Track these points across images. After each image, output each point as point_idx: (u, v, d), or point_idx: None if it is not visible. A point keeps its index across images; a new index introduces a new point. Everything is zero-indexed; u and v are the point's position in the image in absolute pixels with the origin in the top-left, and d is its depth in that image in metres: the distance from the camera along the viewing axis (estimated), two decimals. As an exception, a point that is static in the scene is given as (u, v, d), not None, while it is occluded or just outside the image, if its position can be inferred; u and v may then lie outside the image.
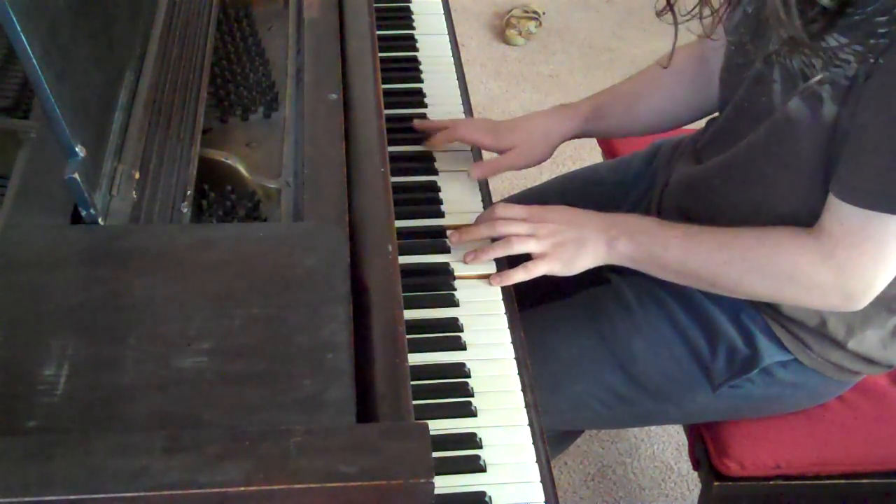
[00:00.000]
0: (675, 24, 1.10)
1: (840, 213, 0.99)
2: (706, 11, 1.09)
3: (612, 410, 1.24)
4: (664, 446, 1.91)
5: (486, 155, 1.32)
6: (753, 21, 1.07)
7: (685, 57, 1.30)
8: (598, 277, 1.30)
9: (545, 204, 1.17)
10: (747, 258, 1.06)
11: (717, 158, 1.17)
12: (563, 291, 1.31)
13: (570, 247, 1.10)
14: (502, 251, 1.11)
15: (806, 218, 1.04)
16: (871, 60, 0.93)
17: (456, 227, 1.16)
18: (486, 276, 1.12)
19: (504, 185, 2.28)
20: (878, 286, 1.02)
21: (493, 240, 1.14)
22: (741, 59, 1.10)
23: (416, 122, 1.31)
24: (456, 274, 1.12)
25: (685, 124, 1.34)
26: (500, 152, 1.30)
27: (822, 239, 1.01)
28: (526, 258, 1.12)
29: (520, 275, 1.11)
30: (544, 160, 1.31)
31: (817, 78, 0.97)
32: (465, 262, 1.12)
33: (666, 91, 1.31)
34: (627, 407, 1.23)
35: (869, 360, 1.19)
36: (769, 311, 1.16)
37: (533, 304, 1.26)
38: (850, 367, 1.19)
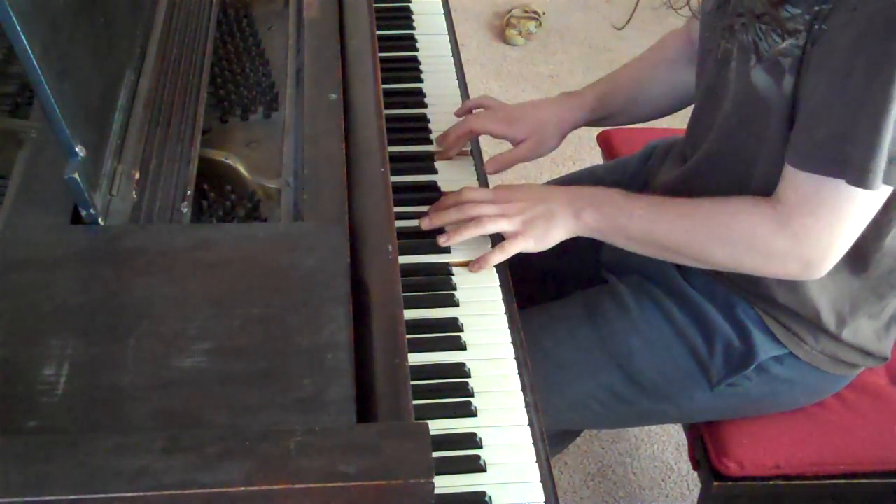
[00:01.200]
0: None
1: (794, 180, 1.00)
2: None
3: (610, 410, 1.24)
4: (664, 446, 1.91)
5: (486, 149, 1.32)
6: (722, 3, 1.09)
7: (676, 43, 1.33)
8: (595, 277, 1.31)
9: None
10: (707, 226, 1.07)
11: (697, 153, 1.19)
12: (560, 291, 1.31)
13: (540, 222, 1.11)
14: (474, 231, 1.12)
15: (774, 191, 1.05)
16: (816, 27, 0.95)
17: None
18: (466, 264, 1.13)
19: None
20: (836, 252, 1.02)
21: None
22: (711, 45, 1.12)
23: (458, 111, 1.34)
24: (450, 262, 1.13)
25: (687, 106, 1.36)
26: (512, 140, 1.31)
27: (778, 207, 1.02)
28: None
29: (496, 256, 1.12)
30: (553, 150, 1.33)
31: (779, 48, 0.98)
32: (439, 245, 1.13)
33: (664, 78, 1.34)
34: (625, 406, 1.24)
35: (864, 352, 1.19)
36: (763, 305, 1.17)
37: (530, 303, 1.27)
38: (845, 359, 1.19)
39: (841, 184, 0.96)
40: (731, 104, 1.09)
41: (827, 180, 0.97)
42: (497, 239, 1.14)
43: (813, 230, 1.00)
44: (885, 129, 0.92)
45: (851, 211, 0.99)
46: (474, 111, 1.34)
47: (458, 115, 1.33)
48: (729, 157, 1.13)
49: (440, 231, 1.14)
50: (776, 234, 1.02)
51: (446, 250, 1.14)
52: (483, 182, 1.27)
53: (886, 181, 0.96)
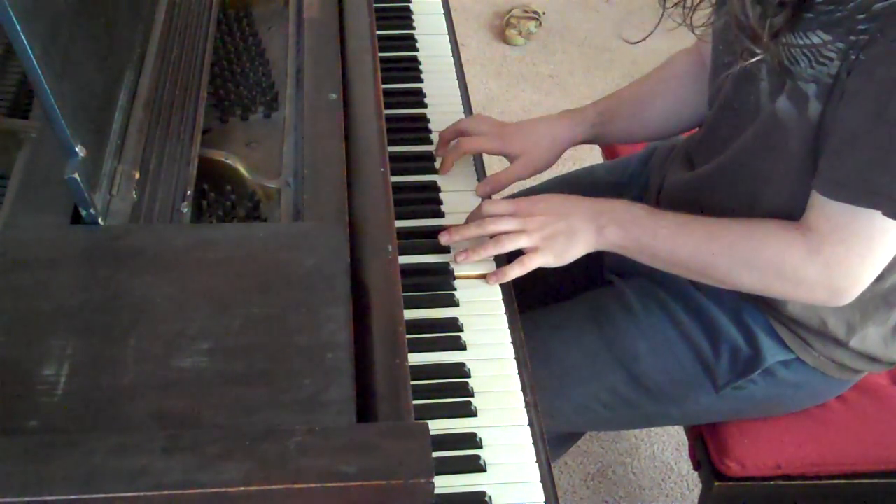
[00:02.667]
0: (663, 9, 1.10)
1: (825, 209, 0.99)
2: (697, 14, 1.10)
3: (614, 412, 1.24)
4: (664, 446, 1.91)
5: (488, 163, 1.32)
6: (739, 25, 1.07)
7: (686, 60, 1.30)
8: (599, 279, 1.30)
9: None
10: (736, 251, 1.06)
11: (708, 164, 1.17)
12: (565, 294, 1.31)
13: (561, 238, 1.10)
14: (494, 250, 1.11)
15: (798, 215, 1.04)
16: (853, 56, 0.94)
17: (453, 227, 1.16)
18: (485, 276, 1.12)
19: (504, 185, 2.28)
20: (865, 282, 1.01)
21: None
22: (728, 58, 1.11)
23: (441, 139, 1.29)
24: (456, 273, 1.12)
25: (693, 127, 1.33)
26: (506, 155, 1.29)
27: (808, 234, 1.01)
28: (520, 253, 1.12)
29: (515, 270, 1.11)
30: (549, 167, 1.31)
31: (809, 74, 0.97)
32: (456, 262, 1.12)
33: (670, 94, 1.31)
34: (630, 409, 1.23)
35: (871, 358, 1.19)
36: (771, 311, 1.16)
37: (535, 306, 1.26)
38: (853, 366, 1.19)
39: (875, 215, 0.95)
40: (757, 124, 1.07)
41: (860, 211, 0.96)
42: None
43: (844, 260, 0.99)
44: None
45: (884, 242, 0.98)
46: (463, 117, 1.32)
47: (447, 136, 1.28)
48: (743, 172, 1.11)
49: (438, 230, 1.14)
50: (806, 263, 1.01)
51: (446, 250, 1.14)
52: (482, 178, 1.26)
53: None
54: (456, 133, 1.28)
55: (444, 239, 1.13)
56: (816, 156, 1.01)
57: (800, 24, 0.97)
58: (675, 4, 1.10)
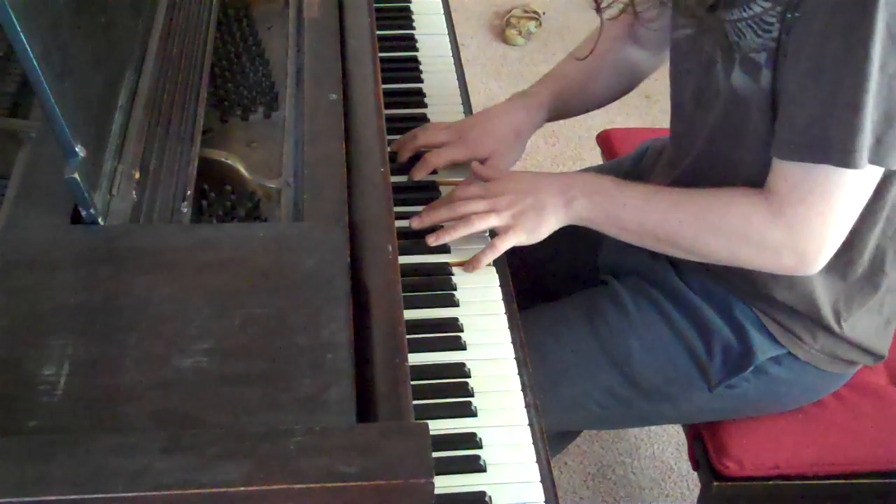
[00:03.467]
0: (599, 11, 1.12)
1: (782, 170, 1.00)
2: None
3: (608, 411, 1.24)
4: (664, 446, 1.91)
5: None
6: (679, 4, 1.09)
7: (616, 31, 1.31)
8: (593, 279, 1.31)
9: None
10: (700, 217, 1.06)
11: (686, 160, 1.18)
12: (560, 293, 1.31)
13: (531, 214, 1.10)
14: (464, 230, 1.11)
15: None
16: (789, 16, 0.95)
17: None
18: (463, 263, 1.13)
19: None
20: (831, 243, 1.02)
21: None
22: (688, 65, 1.13)
23: (401, 156, 1.27)
24: (450, 261, 1.12)
25: (633, 89, 1.38)
26: (478, 160, 1.26)
27: (769, 198, 1.02)
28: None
29: (488, 254, 1.11)
30: (519, 157, 1.31)
31: (756, 43, 0.99)
32: (428, 244, 1.12)
33: (608, 77, 1.34)
34: (624, 407, 1.24)
35: (862, 348, 1.19)
36: (760, 304, 1.17)
37: (529, 305, 1.26)
38: (844, 357, 1.19)
39: (828, 168, 0.96)
40: (720, 108, 1.09)
41: (813, 167, 0.97)
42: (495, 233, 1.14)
43: (806, 219, 1.00)
44: (865, 106, 0.92)
45: (842, 196, 0.98)
46: (456, 119, 1.31)
47: (406, 154, 1.26)
48: (716, 160, 1.13)
49: (438, 230, 1.14)
50: (769, 226, 1.02)
51: (446, 250, 1.14)
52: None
53: (873, 161, 0.95)
54: (414, 149, 1.26)
55: (415, 223, 1.13)
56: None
57: None
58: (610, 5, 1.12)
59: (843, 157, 0.95)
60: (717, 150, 1.12)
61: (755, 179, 1.06)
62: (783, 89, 0.99)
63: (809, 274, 1.06)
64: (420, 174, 1.24)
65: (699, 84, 1.13)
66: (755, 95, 1.03)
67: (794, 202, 1.00)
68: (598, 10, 1.12)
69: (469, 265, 1.12)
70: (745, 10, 1.00)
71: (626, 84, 1.36)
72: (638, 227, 1.10)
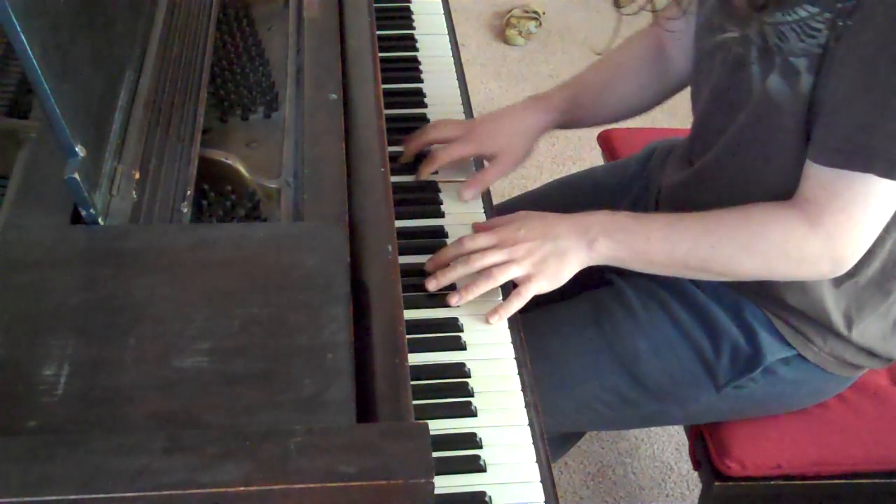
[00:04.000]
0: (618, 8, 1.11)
1: (820, 177, 0.99)
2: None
3: (615, 412, 1.24)
4: (664, 446, 1.91)
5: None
6: (726, 4, 1.08)
7: (642, 44, 1.31)
8: (599, 279, 1.30)
9: (543, 207, 1.16)
10: (736, 239, 1.05)
11: (705, 157, 1.17)
12: (566, 293, 1.31)
13: (552, 261, 1.08)
14: (488, 285, 1.08)
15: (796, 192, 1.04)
16: (840, 24, 0.94)
17: (450, 242, 1.12)
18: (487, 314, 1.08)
19: (504, 183, 2.27)
20: (863, 248, 1.02)
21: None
22: (711, 45, 1.11)
23: (405, 156, 1.28)
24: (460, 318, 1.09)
25: (650, 109, 1.36)
26: (484, 157, 1.28)
27: (807, 208, 1.01)
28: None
29: (514, 304, 1.08)
30: (528, 157, 1.31)
31: (799, 47, 0.98)
32: (451, 305, 1.08)
33: (631, 78, 1.32)
34: (631, 408, 1.23)
35: (870, 353, 1.19)
36: (771, 307, 1.17)
37: (535, 305, 1.26)
38: (853, 361, 1.19)
39: (870, 178, 0.95)
40: (750, 108, 1.07)
41: (856, 175, 0.96)
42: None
43: (846, 227, 0.99)
44: None
45: (880, 205, 0.98)
46: (458, 119, 1.31)
47: (415, 149, 1.27)
48: (740, 159, 1.12)
49: (441, 233, 1.14)
50: (809, 237, 1.01)
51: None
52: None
53: None
54: (424, 144, 1.27)
55: (431, 285, 1.09)
56: (810, 130, 1.01)
57: (786, 1, 0.97)
58: None
59: (889, 166, 0.94)
60: (743, 148, 1.11)
61: (777, 182, 1.06)
62: (827, 95, 0.98)
63: (838, 275, 1.05)
64: (427, 170, 1.24)
65: (720, 81, 1.11)
66: (789, 100, 1.01)
67: (835, 211, 0.99)
68: (617, 7, 1.11)
69: (494, 314, 1.07)
70: (788, 14, 0.98)
71: (647, 98, 1.33)
72: (667, 258, 1.08)
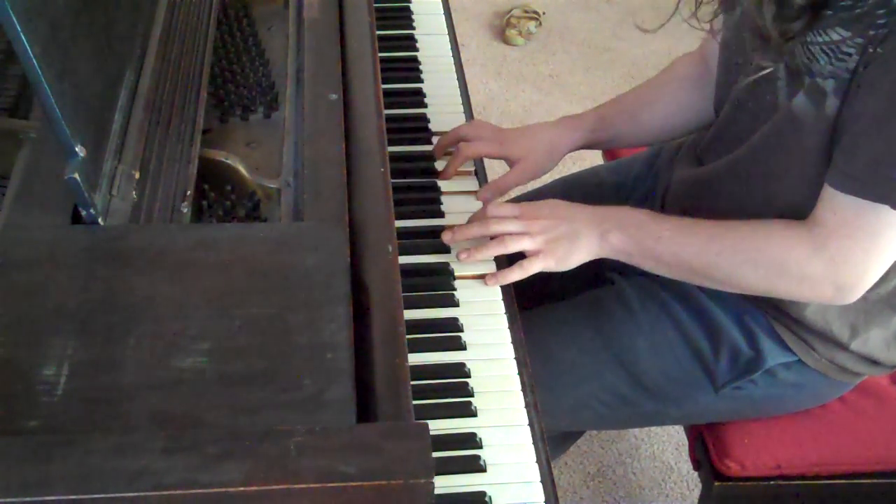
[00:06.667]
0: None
1: (833, 202, 0.99)
2: (703, 10, 1.09)
3: (613, 411, 1.24)
4: (664, 446, 1.91)
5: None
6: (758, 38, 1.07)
7: (688, 64, 1.30)
8: (599, 278, 1.30)
9: None
10: (739, 250, 1.06)
11: (719, 160, 1.17)
12: (565, 293, 1.31)
13: (564, 242, 1.10)
14: (497, 250, 1.11)
15: (809, 214, 1.04)
16: (871, 50, 0.94)
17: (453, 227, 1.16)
18: (485, 276, 1.12)
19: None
20: (870, 279, 1.01)
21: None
22: (740, 59, 1.10)
23: (436, 152, 1.30)
24: (456, 273, 1.12)
25: (692, 131, 1.33)
26: (506, 159, 1.29)
27: (814, 230, 1.01)
28: (521, 256, 1.12)
29: (516, 273, 1.11)
30: (548, 172, 1.32)
31: (827, 70, 0.97)
32: (458, 260, 1.12)
33: (670, 97, 1.31)
34: (629, 408, 1.23)
35: (873, 361, 1.19)
36: (773, 312, 1.16)
37: (534, 304, 1.26)
38: (854, 369, 1.19)
39: (883, 209, 0.95)
40: (772, 122, 1.07)
41: (868, 205, 0.96)
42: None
43: (850, 254, 0.99)
44: None
45: (891, 237, 0.97)
46: (463, 120, 1.32)
47: (446, 143, 1.29)
48: (755, 169, 1.11)
49: (441, 233, 1.14)
50: (811, 258, 1.01)
51: (447, 250, 1.14)
52: (483, 181, 1.27)
53: None
54: (455, 139, 1.28)
55: (447, 238, 1.13)
56: (831, 152, 1.01)
57: (819, 23, 0.97)
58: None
59: None
60: (760, 159, 1.10)
61: (787, 200, 1.06)
62: (851, 121, 0.97)
63: (844, 304, 1.05)
64: (454, 166, 1.25)
65: (746, 91, 1.10)
66: (813, 121, 1.01)
67: (841, 236, 0.99)
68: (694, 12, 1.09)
69: (492, 278, 1.11)
70: (820, 35, 0.97)
71: (690, 119, 1.31)
72: (673, 258, 1.09)
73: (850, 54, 0.95)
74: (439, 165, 1.28)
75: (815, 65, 0.98)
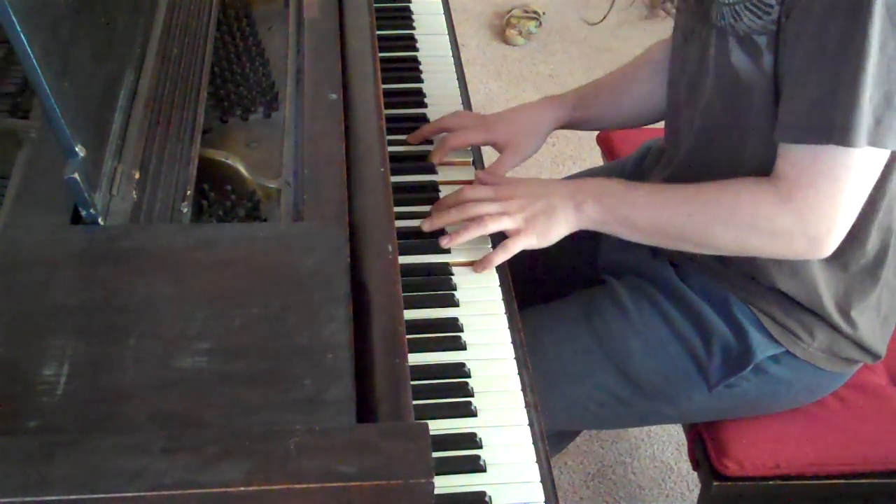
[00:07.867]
0: None
1: (789, 155, 1.01)
2: None
3: (607, 410, 1.24)
4: (664, 446, 1.91)
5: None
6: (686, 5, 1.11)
7: (661, 48, 1.33)
8: (593, 278, 1.31)
9: None
10: (710, 210, 1.07)
11: (683, 151, 1.19)
12: (559, 292, 1.31)
13: (542, 217, 1.11)
14: (477, 231, 1.12)
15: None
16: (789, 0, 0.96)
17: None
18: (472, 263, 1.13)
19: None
20: (841, 225, 1.02)
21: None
22: (680, 43, 1.14)
23: (412, 137, 1.31)
24: (450, 262, 1.13)
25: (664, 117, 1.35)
26: (494, 145, 1.31)
27: (777, 184, 1.02)
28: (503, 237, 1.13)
29: (500, 255, 1.12)
30: (537, 151, 1.33)
31: (755, 25, 1.00)
32: (441, 246, 1.13)
33: (646, 80, 1.33)
34: (623, 407, 1.24)
35: (861, 346, 1.19)
36: (759, 303, 1.17)
37: (529, 304, 1.26)
38: (842, 355, 1.19)
39: (832, 149, 0.97)
40: (711, 91, 1.09)
41: (819, 149, 0.98)
42: (497, 237, 1.14)
43: (815, 202, 1.00)
44: (864, 85, 0.93)
45: (849, 178, 0.99)
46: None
47: (428, 134, 1.30)
48: (716, 146, 1.13)
49: (441, 231, 1.14)
50: (779, 211, 1.02)
51: (446, 250, 1.14)
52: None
53: (873, 143, 0.96)
54: (438, 130, 1.30)
55: (425, 226, 1.14)
56: (776, 113, 1.02)
57: None
58: None
59: (845, 135, 0.95)
60: (717, 137, 1.12)
61: (755, 165, 1.07)
62: (785, 73, 1.00)
63: (822, 257, 1.05)
64: (438, 156, 1.26)
65: (693, 77, 1.13)
66: (756, 78, 1.03)
67: (804, 186, 1.00)
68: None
69: (479, 265, 1.12)
70: None
71: (659, 104, 1.32)
72: (648, 224, 1.10)
73: (771, 6, 0.99)
74: (440, 166, 1.28)
75: (740, 23, 1.01)
